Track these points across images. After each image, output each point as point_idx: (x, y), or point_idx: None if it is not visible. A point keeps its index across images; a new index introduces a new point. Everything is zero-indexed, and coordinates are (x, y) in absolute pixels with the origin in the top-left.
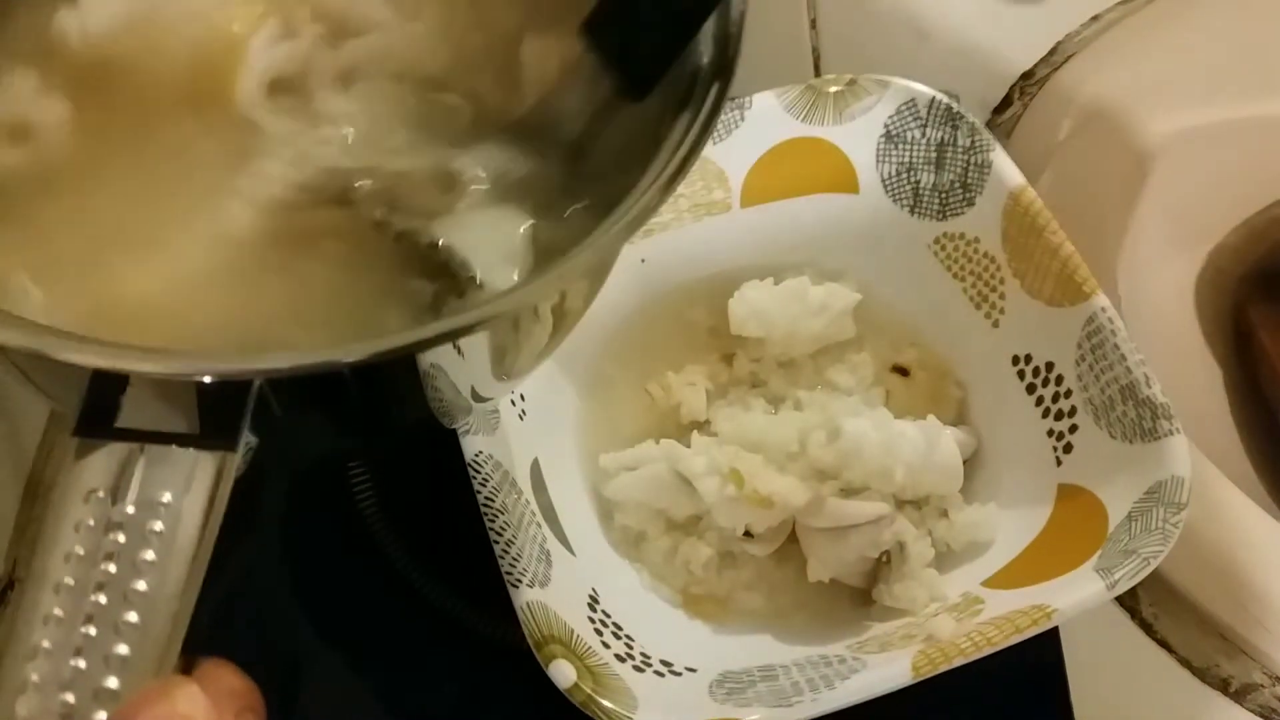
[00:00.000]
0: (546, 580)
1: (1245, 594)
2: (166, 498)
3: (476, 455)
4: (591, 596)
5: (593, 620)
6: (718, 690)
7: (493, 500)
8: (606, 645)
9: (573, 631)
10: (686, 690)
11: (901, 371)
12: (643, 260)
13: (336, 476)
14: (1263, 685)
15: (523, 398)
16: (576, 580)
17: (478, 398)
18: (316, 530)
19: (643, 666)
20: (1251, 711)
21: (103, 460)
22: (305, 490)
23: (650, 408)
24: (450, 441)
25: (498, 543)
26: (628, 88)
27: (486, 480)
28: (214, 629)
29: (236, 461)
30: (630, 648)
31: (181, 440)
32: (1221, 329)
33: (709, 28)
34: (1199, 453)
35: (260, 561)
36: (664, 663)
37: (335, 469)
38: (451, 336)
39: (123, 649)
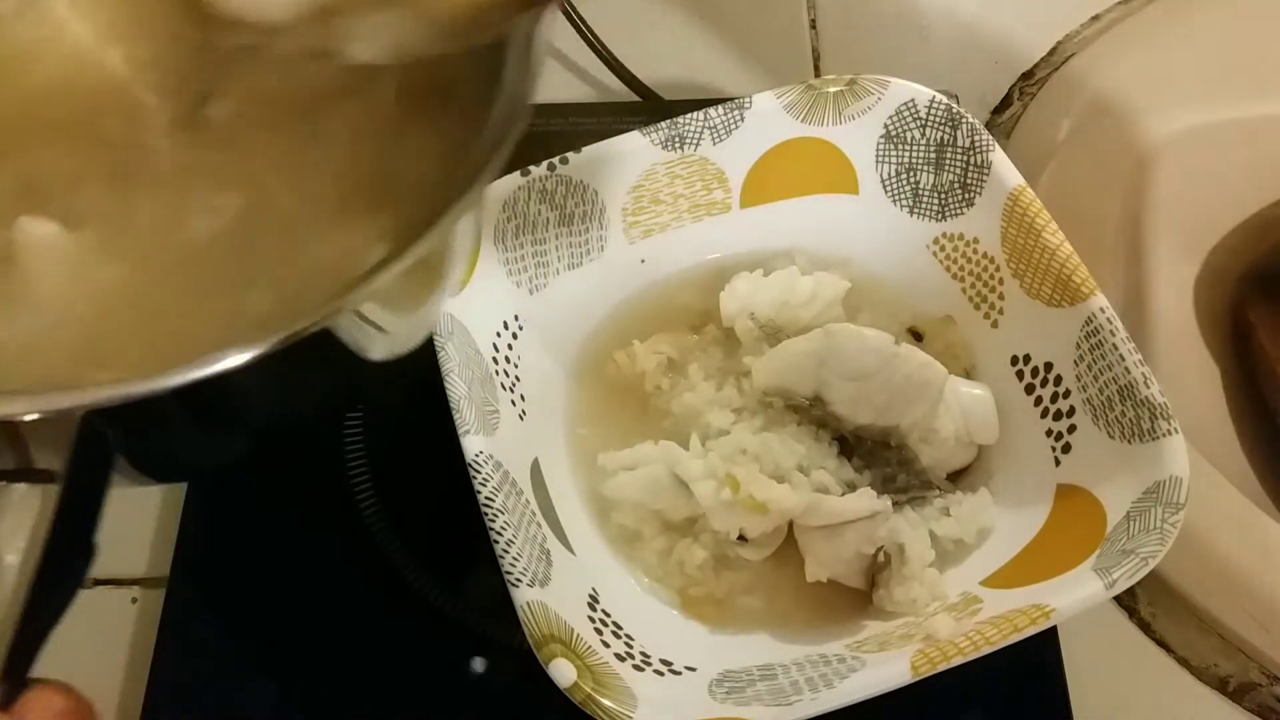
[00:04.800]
0: (546, 580)
1: (1243, 593)
2: None
3: (476, 455)
4: (591, 596)
5: (593, 619)
6: (717, 689)
7: (493, 500)
8: (606, 644)
9: (573, 631)
10: (686, 689)
11: (916, 335)
12: (643, 261)
13: (336, 476)
14: (1260, 684)
15: (523, 398)
16: (576, 580)
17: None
18: (316, 531)
19: (642, 666)
20: (1250, 711)
21: None
22: (305, 490)
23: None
24: (450, 441)
25: (498, 542)
26: None
27: (487, 480)
28: (212, 629)
29: (58, 492)
30: (630, 647)
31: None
32: (1220, 329)
33: None
34: (1197, 453)
35: (260, 561)
36: (664, 662)
37: (336, 469)
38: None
39: None
